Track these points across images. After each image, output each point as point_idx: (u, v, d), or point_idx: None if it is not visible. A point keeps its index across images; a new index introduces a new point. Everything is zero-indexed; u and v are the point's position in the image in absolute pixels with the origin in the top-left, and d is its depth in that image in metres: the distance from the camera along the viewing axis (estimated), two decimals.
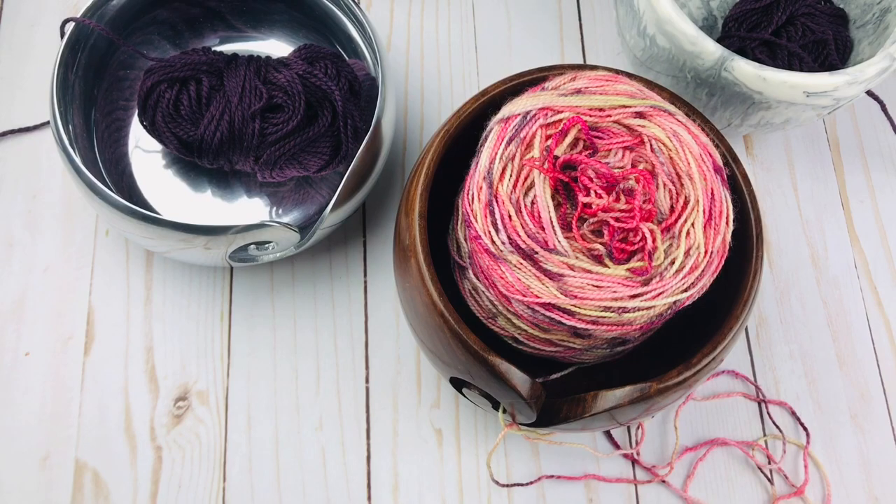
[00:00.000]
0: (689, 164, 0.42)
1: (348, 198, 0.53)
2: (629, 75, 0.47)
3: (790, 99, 0.52)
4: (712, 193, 0.41)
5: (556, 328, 0.41)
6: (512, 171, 0.41)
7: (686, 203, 0.41)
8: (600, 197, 0.41)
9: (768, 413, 0.58)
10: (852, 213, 0.64)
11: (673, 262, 0.40)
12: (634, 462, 0.56)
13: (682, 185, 0.42)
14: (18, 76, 0.63)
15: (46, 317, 0.57)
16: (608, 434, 0.56)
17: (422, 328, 0.46)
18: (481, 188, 0.41)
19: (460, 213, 0.44)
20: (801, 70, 0.58)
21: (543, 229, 0.40)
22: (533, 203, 0.41)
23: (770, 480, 0.56)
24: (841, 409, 0.58)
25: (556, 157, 0.42)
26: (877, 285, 0.62)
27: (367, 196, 0.57)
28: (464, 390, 0.47)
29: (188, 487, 0.53)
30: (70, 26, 0.53)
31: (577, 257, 0.40)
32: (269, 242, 0.52)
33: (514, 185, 0.41)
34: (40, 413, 0.55)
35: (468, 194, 0.42)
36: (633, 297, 0.39)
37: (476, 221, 0.41)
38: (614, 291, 0.39)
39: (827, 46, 0.59)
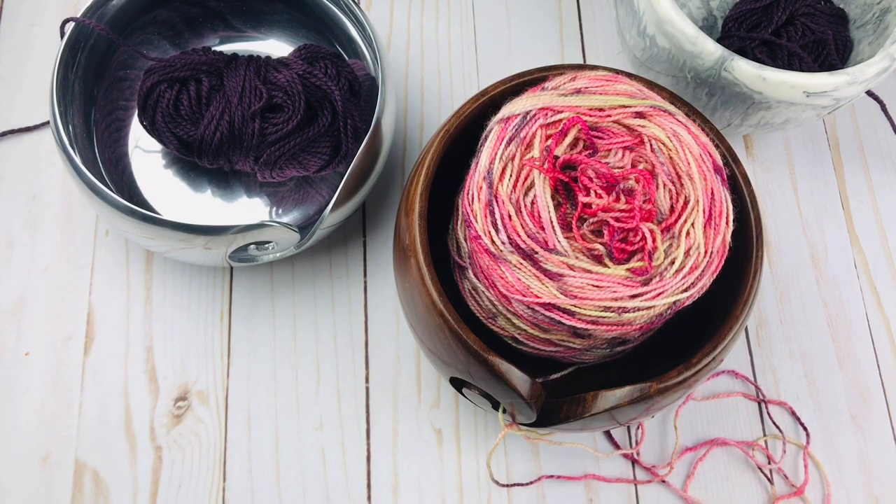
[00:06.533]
0: (689, 164, 0.42)
1: (348, 198, 0.53)
2: (629, 75, 0.47)
3: (790, 99, 0.52)
4: (712, 193, 0.41)
5: (556, 328, 0.41)
6: (512, 171, 0.41)
7: (686, 203, 0.41)
8: (600, 197, 0.41)
9: (768, 413, 0.58)
10: (852, 213, 0.64)
11: (673, 262, 0.40)
12: (634, 462, 0.56)
13: (682, 185, 0.42)
14: (18, 76, 0.63)
15: (46, 317, 0.57)
16: (608, 434, 0.56)
17: (422, 328, 0.46)
18: (481, 188, 0.41)
19: (460, 213, 0.44)
20: (801, 70, 0.58)
21: (543, 229, 0.40)
22: (533, 203, 0.41)
23: (770, 480, 0.56)
24: (841, 409, 0.58)
25: (556, 157, 0.42)
26: (877, 285, 0.62)
27: (367, 196, 0.57)
28: (464, 390, 0.47)
29: (188, 487, 0.53)
30: (70, 26, 0.53)
31: (577, 257, 0.40)
32: (269, 242, 0.52)
33: (514, 185, 0.41)
34: (40, 413, 0.55)
35: (468, 194, 0.42)
36: (633, 297, 0.39)
37: (476, 221, 0.41)
38: (614, 291, 0.39)
39: (827, 46, 0.59)
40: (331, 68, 0.52)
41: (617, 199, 0.41)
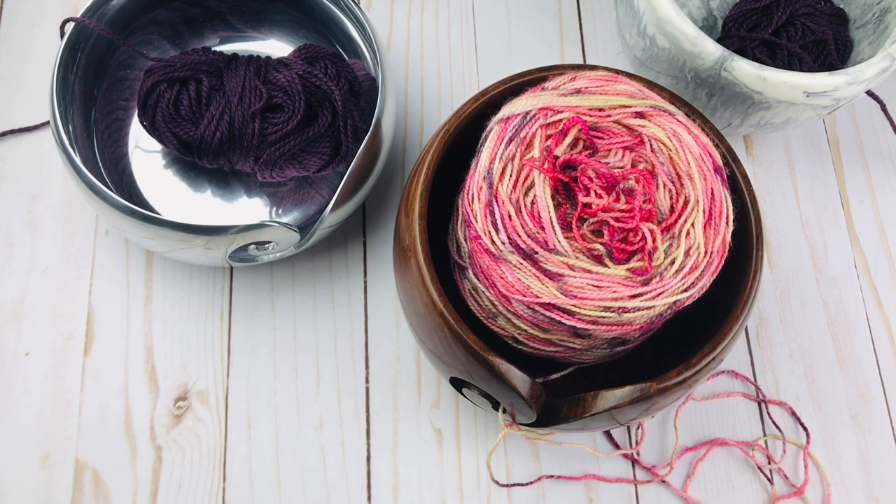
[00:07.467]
0: (689, 164, 0.42)
1: (348, 198, 0.53)
2: (629, 75, 0.47)
3: (790, 99, 0.52)
4: (712, 193, 0.41)
5: (556, 328, 0.41)
6: (512, 171, 0.41)
7: (686, 203, 0.41)
8: (600, 197, 0.41)
9: (768, 413, 0.58)
10: (852, 213, 0.64)
11: (673, 262, 0.40)
12: (634, 462, 0.56)
13: (682, 185, 0.42)
14: (18, 76, 0.63)
15: (46, 317, 0.57)
16: (608, 434, 0.56)
17: (422, 328, 0.46)
18: (481, 188, 0.41)
19: (460, 213, 0.44)
20: (801, 70, 0.58)
21: (543, 229, 0.40)
22: (533, 203, 0.41)
23: (770, 480, 0.56)
24: (841, 409, 0.58)
25: (556, 157, 0.42)
26: (877, 285, 0.62)
27: (367, 196, 0.57)
28: (464, 390, 0.47)
29: (188, 487, 0.53)
30: (70, 26, 0.53)
31: (577, 257, 0.40)
32: (269, 242, 0.52)
33: (514, 185, 0.41)
34: (40, 413, 0.55)
35: (468, 194, 0.42)
36: (633, 297, 0.39)
37: (476, 221, 0.41)
38: (614, 291, 0.39)
39: (827, 46, 0.59)
40: (331, 68, 0.52)
41: (617, 199, 0.41)
